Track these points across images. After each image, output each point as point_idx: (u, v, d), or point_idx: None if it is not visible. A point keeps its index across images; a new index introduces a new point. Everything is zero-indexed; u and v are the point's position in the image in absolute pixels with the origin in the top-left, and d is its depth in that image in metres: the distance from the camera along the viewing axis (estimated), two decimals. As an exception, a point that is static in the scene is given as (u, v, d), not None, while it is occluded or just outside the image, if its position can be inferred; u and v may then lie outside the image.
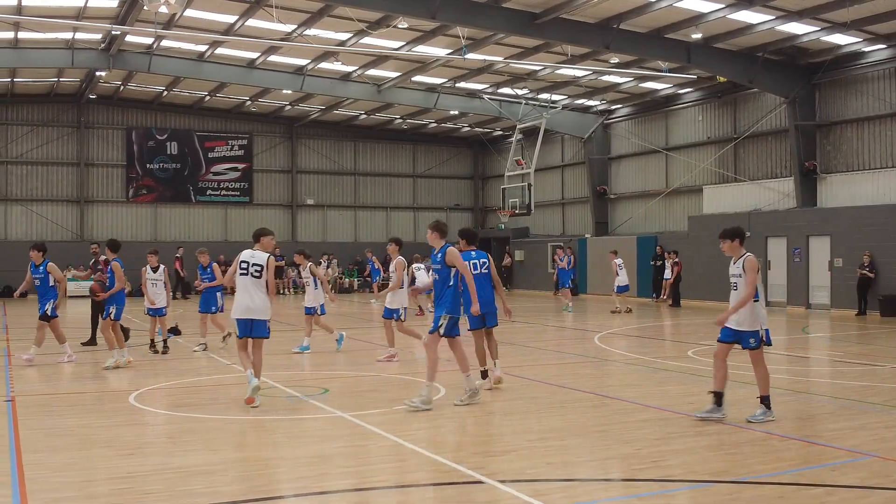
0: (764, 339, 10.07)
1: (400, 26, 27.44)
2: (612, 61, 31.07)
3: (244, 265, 11.54)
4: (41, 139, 41.11)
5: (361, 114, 43.26)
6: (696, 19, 26.10)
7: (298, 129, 45.95)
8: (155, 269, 17.34)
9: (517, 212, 37.23)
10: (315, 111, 42.85)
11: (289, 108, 42.51)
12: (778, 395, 12.19)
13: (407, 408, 10.70)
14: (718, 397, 10.13)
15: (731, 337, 10.12)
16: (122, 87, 39.17)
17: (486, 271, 12.48)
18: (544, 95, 37.37)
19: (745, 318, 10.02)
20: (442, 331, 11.06)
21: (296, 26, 28.29)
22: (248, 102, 41.45)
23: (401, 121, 45.16)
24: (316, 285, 17.80)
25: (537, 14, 25.94)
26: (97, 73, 34.98)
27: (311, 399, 11.77)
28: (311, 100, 40.05)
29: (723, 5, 25.00)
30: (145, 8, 22.67)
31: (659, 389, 12.66)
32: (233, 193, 44.61)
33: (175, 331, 19.67)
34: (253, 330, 11.50)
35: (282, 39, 29.41)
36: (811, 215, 29.84)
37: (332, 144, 47.15)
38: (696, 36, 27.36)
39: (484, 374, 12.55)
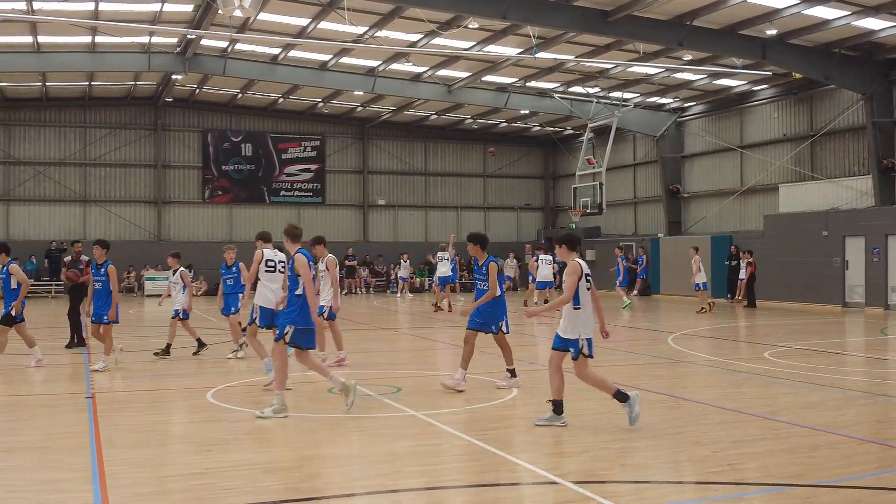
0: (585, 350, 9.73)
1: (470, 26, 27.49)
2: (685, 58, 30.74)
3: (271, 263, 13.23)
4: (119, 141, 42.01)
5: (432, 114, 43.41)
6: (770, 15, 25.69)
7: (370, 130, 46.26)
8: (174, 272, 16.64)
9: (588, 211, 37.03)
10: (386, 112, 43.09)
11: (360, 109, 42.82)
12: (855, 397, 11.99)
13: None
14: (557, 405, 9.89)
15: (562, 345, 9.87)
16: (197, 90, 39.87)
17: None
18: (616, 94, 37.10)
19: (567, 326, 9.79)
20: (287, 339, 10.64)
21: (367, 28, 28.48)
22: (321, 104, 41.87)
23: (471, 121, 45.19)
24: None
25: (608, 12, 25.77)
26: (173, 77, 35.68)
27: (384, 398, 11.86)
28: (382, 101, 40.31)
29: (798, 0, 24.57)
30: (220, 12, 23.02)
31: (735, 391, 12.49)
32: (306, 194, 45.09)
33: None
34: (275, 319, 12.42)
35: (353, 41, 29.66)
36: (890, 214, 29.13)
37: (402, 145, 47.39)
38: (771, 32, 26.96)
39: (513, 373, 12.55)
